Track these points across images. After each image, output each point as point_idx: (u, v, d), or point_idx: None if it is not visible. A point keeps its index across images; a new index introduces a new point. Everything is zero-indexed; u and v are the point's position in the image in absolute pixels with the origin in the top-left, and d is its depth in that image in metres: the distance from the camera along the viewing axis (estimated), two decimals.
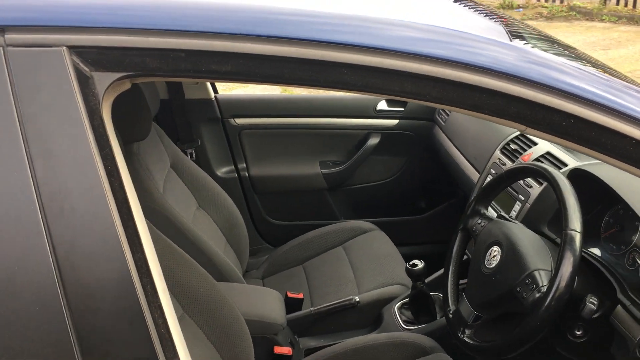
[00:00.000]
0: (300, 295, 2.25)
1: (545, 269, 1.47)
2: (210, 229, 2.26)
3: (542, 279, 1.44)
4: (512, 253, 1.53)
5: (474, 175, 2.40)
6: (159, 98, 2.26)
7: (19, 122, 0.87)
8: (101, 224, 0.88)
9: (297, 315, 2.20)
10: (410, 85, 0.93)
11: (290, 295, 2.22)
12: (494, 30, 1.10)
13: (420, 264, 2.01)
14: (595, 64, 1.14)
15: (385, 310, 2.20)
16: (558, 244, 1.46)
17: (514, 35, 1.08)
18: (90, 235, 0.88)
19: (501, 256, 1.55)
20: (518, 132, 2.24)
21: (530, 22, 9.76)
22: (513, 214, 1.97)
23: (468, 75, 0.92)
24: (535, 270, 1.46)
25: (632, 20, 9.65)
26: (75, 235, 0.88)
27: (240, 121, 2.90)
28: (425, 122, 2.98)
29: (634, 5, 10.21)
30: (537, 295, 1.42)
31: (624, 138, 0.93)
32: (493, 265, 1.57)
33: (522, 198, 1.97)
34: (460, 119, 2.65)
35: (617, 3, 10.42)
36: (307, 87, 0.96)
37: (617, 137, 0.93)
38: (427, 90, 0.93)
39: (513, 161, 2.14)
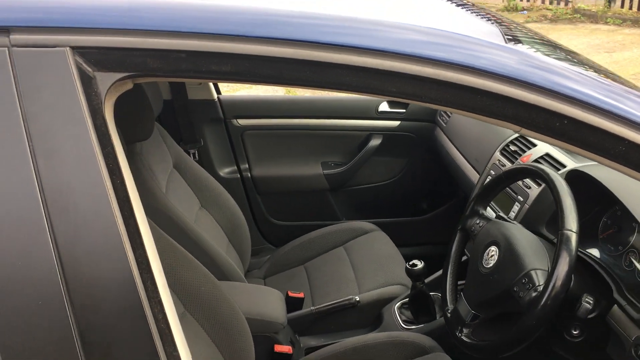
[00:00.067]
0: (301, 295, 2.26)
1: (542, 268, 1.48)
2: (212, 228, 2.28)
3: (539, 279, 1.46)
4: (509, 253, 1.55)
5: (474, 176, 2.41)
6: (162, 98, 2.28)
7: (23, 120, 0.88)
8: (103, 220, 0.90)
9: (298, 315, 2.21)
10: (407, 87, 0.94)
11: (291, 294, 2.24)
12: (490, 33, 1.12)
13: (419, 264, 2.02)
14: (583, 63, 1.15)
15: (385, 310, 2.21)
16: (555, 244, 1.47)
17: (509, 37, 1.10)
18: (92, 232, 0.90)
19: (499, 256, 1.57)
20: (518, 134, 2.25)
21: (534, 25, 9.79)
22: (512, 214, 1.99)
23: (464, 77, 0.93)
24: (532, 269, 1.48)
25: (637, 23, 9.64)
26: (78, 231, 0.89)
27: (242, 122, 2.92)
28: (427, 124, 2.99)
29: (639, 8, 10.20)
30: (534, 294, 1.43)
31: (616, 139, 0.95)
32: (491, 265, 1.58)
33: (521, 199, 1.98)
34: (462, 120, 2.66)
35: (622, 6, 10.40)
36: (305, 87, 0.97)
37: (609, 138, 0.95)
38: (424, 91, 0.95)
39: (512, 162, 2.15)
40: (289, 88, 2.64)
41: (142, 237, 0.93)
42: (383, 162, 3.02)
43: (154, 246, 0.96)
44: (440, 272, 2.26)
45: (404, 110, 2.98)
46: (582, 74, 0.99)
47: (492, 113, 0.96)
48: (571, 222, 1.41)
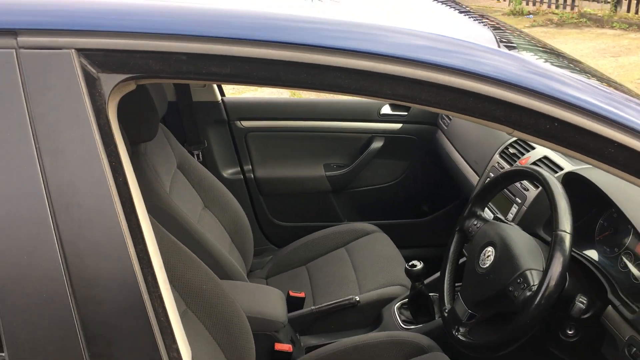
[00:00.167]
0: (302, 294, 2.28)
1: (537, 268, 1.51)
2: (215, 229, 2.30)
3: (534, 279, 1.48)
4: (505, 253, 1.57)
5: (474, 178, 2.43)
6: (167, 100, 2.31)
7: (29, 120, 0.91)
8: (105, 217, 0.92)
9: (299, 314, 2.23)
10: (401, 89, 0.97)
11: (292, 294, 2.26)
12: (484, 36, 1.14)
13: (419, 265, 2.04)
14: (574, 66, 1.18)
15: (385, 310, 2.23)
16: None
17: (503, 41, 1.12)
18: (95, 228, 0.92)
19: (495, 256, 1.59)
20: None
21: (540, 29, 9.79)
22: (510, 216, 2.01)
23: (459, 80, 0.96)
24: (527, 270, 1.50)
25: None
26: (81, 227, 0.92)
27: (246, 124, 2.94)
28: (428, 127, 3.00)
29: None
30: (528, 294, 1.45)
31: (606, 141, 0.97)
32: (487, 265, 1.60)
33: (519, 201, 2.00)
34: (462, 123, 2.68)
35: (628, 10, 10.40)
36: (303, 89, 1.00)
37: (599, 140, 0.97)
38: (417, 93, 0.97)
39: (511, 165, 2.17)
40: (291, 90, 2.66)
41: (144, 234, 0.95)
42: (385, 164, 3.04)
43: (155, 243, 0.99)
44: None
45: (406, 113, 3.00)
46: (569, 76, 1.02)
47: (483, 115, 0.98)
48: (565, 223, 1.43)
